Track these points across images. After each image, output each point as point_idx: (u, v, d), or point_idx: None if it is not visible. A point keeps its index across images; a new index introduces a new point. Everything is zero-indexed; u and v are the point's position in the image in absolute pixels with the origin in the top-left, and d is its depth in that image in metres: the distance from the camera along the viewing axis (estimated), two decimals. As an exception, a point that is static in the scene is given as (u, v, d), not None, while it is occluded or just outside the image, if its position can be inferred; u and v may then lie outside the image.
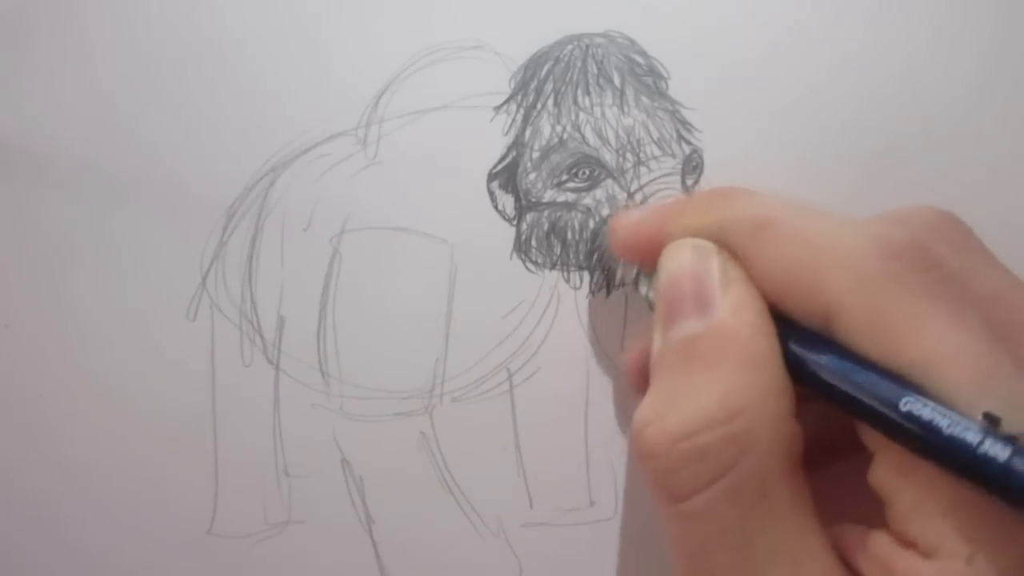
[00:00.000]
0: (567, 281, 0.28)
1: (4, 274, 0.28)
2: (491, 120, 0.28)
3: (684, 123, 0.28)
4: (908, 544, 0.18)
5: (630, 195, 0.28)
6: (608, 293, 0.28)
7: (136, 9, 0.29)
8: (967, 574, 0.17)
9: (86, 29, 0.29)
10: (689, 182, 0.28)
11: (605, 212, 0.28)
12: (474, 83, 0.28)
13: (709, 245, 0.21)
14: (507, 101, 0.28)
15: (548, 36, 0.28)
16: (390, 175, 0.28)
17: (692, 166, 0.28)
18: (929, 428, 0.17)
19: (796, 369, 0.20)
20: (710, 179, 0.28)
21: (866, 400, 0.19)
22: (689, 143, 0.28)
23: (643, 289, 0.24)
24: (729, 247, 0.21)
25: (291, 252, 0.28)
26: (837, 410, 0.20)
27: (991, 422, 0.17)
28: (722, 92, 0.28)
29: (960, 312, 0.19)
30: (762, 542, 0.19)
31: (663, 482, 0.19)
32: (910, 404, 0.18)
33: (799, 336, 0.20)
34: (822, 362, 0.19)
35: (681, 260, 0.22)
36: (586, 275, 0.28)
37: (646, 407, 0.20)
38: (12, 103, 0.29)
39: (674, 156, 0.28)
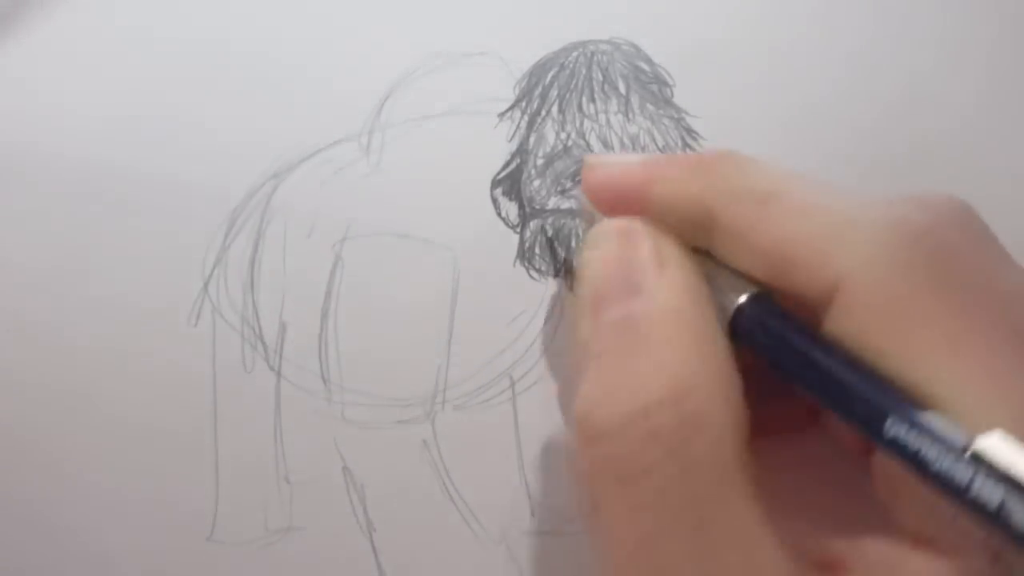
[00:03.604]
0: (570, 289, 0.28)
1: (4, 277, 0.28)
2: (495, 127, 0.28)
3: (689, 131, 0.28)
4: (921, 543, 0.17)
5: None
6: (612, 301, 0.28)
7: (138, 14, 0.29)
8: (993, 573, 0.16)
9: (88, 33, 0.29)
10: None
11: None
12: (478, 89, 0.28)
13: (639, 226, 0.21)
14: (511, 108, 0.28)
15: (553, 43, 0.28)
16: (393, 181, 0.28)
17: (697, 174, 0.28)
18: (916, 458, 0.16)
19: (786, 362, 0.19)
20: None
21: (857, 414, 0.18)
22: (694, 151, 0.28)
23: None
24: (725, 218, 0.20)
25: (293, 258, 0.28)
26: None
27: (977, 462, 0.15)
28: (727, 100, 0.28)
29: (974, 308, 0.18)
30: (718, 528, 0.18)
31: (613, 465, 0.18)
32: (894, 429, 0.17)
33: (792, 326, 0.19)
34: (816, 361, 0.18)
35: (609, 243, 0.21)
36: (590, 283, 0.28)
37: (589, 390, 0.19)
38: (13, 107, 0.29)
39: (679, 164, 0.28)
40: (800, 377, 0.19)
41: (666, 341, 0.19)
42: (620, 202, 0.22)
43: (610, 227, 0.21)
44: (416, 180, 0.28)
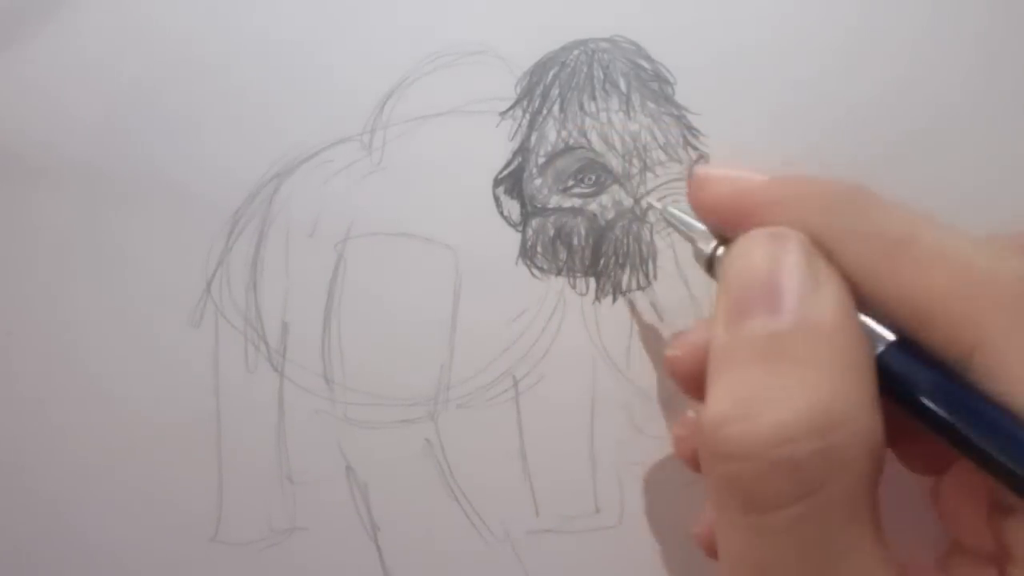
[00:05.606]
0: (573, 287, 0.28)
1: (8, 280, 0.28)
2: (497, 125, 0.28)
3: (690, 128, 0.28)
4: (981, 559, 0.18)
5: (636, 201, 0.28)
6: (614, 300, 0.28)
7: (140, 14, 0.29)
8: None
9: (88, 33, 0.29)
10: (695, 187, 0.28)
11: (610, 217, 0.28)
12: (479, 88, 0.28)
13: (794, 234, 0.19)
14: (513, 106, 0.28)
15: (554, 41, 0.28)
16: (395, 180, 0.28)
17: (698, 171, 0.28)
18: None
19: (925, 413, 0.18)
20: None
21: (1011, 465, 0.17)
22: (695, 148, 0.28)
23: (702, 252, 0.22)
24: (850, 262, 0.19)
25: (296, 258, 0.28)
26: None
27: None
28: (728, 97, 0.28)
29: None
30: (845, 568, 0.17)
31: (743, 489, 0.18)
32: None
33: (939, 372, 0.18)
34: (965, 410, 0.18)
35: (761, 250, 0.19)
36: (592, 281, 0.28)
37: (721, 402, 0.18)
38: (16, 106, 0.29)
39: (680, 161, 0.28)
40: (950, 429, 0.18)
41: (814, 362, 0.18)
42: (736, 221, 0.21)
43: (761, 234, 0.20)
44: (418, 179, 0.28)
